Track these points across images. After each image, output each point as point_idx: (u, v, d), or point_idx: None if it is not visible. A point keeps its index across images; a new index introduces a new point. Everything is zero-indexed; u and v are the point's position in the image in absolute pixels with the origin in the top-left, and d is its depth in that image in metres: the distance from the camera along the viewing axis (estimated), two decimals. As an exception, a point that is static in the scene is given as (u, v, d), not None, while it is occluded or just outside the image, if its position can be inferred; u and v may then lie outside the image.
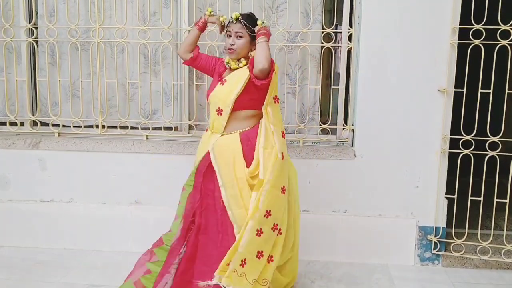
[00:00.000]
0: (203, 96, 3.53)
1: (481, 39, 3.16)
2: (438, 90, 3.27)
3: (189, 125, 3.56)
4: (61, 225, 3.56)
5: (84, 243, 3.56)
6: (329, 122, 3.51)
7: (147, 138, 3.57)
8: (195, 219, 2.64)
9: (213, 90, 2.69)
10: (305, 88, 3.54)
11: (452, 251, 3.40)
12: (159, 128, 3.58)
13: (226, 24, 2.65)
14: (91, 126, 3.61)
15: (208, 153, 2.63)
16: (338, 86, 3.48)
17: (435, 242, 3.40)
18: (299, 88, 3.53)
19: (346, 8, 3.39)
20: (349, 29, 3.39)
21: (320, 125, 3.53)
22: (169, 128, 3.58)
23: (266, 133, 2.58)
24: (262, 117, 2.64)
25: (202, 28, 2.79)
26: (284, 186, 2.61)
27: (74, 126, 3.60)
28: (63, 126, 3.62)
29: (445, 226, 3.39)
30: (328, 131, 3.51)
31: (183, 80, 3.53)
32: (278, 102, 2.66)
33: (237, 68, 2.66)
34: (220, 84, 2.65)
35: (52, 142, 3.54)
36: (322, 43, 3.43)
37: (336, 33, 3.43)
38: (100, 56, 3.51)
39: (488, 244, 3.34)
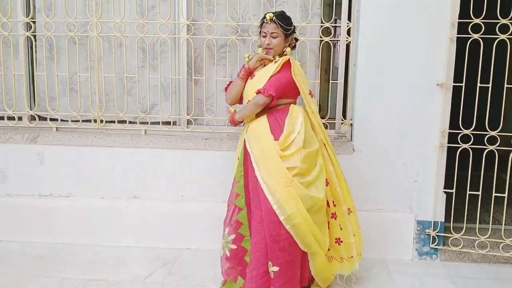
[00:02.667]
0: (201, 90, 3.51)
1: (480, 33, 3.15)
2: (437, 84, 3.26)
3: (188, 119, 3.54)
4: (59, 219, 3.55)
5: (83, 237, 3.55)
6: (327, 117, 3.50)
7: (145, 133, 3.55)
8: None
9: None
10: (304, 82, 3.51)
11: (450, 245, 3.39)
12: (157, 123, 3.56)
13: (260, 25, 2.80)
14: (89, 121, 3.59)
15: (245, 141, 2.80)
16: (336, 80, 3.47)
17: (433, 236, 3.39)
18: (297, 82, 3.50)
19: (345, 2, 3.37)
20: (348, 23, 3.37)
21: None
22: (168, 123, 3.57)
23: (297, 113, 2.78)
24: (289, 105, 2.80)
25: (247, 79, 2.85)
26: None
27: (72, 121, 3.58)
28: (61, 120, 3.60)
29: (444, 221, 3.39)
30: (327, 125, 3.46)
31: (181, 74, 3.51)
32: (312, 96, 2.88)
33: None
34: (250, 78, 2.82)
35: (50, 137, 3.53)
36: (320, 37, 3.41)
37: (335, 27, 3.41)
38: (98, 51, 3.48)
39: (486, 238, 3.33)
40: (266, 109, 2.75)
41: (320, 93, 3.56)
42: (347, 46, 3.41)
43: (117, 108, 3.56)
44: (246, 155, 2.79)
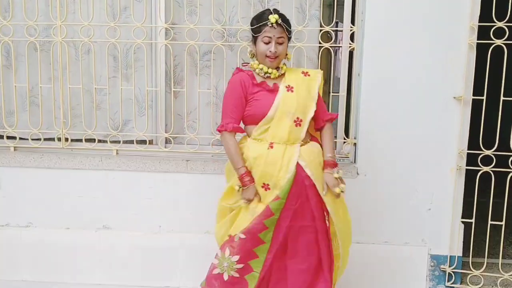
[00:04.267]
0: (181, 104, 3.31)
1: (503, 39, 3.00)
2: (454, 97, 3.10)
3: (166, 138, 3.32)
4: (18, 253, 3.32)
5: (45, 274, 3.32)
6: None
7: (117, 153, 3.32)
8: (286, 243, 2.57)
9: (275, 99, 2.50)
10: (300, 94, 3.28)
11: (469, 283, 3.23)
12: (131, 142, 3.35)
13: (256, 24, 2.48)
14: (52, 139, 3.37)
15: (297, 167, 2.50)
16: (338, 92, 3.29)
17: (449, 273, 3.23)
18: (293, 94, 3.24)
19: (347, 2, 3.21)
20: (351, 27, 3.19)
21: None
22: (143, 142, 3.36)
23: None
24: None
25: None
26: None
27: (32, 139, 3.35)
28: (20, 139, 3.37)
29: (461, 255, 3.24)
30: None
31: (159, 85, 3.29)
32: None
33: (277, 76, 2.54)
34: (287, 90, 2.51)
35: (7, 158, 3.29)
36: (320, 43, 3.23)
37: (336, 31, 3.26)
38: (62, 58, 3.26)
39: (510, 275, 3.17)
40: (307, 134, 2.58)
41: None
42: (350, 53, 3.26)
43: (84, 124, 3.34)
44: (297, 188, 2.50)
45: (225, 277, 2.57)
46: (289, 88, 2.51)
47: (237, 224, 2.56)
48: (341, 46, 3.24)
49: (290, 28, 2.51)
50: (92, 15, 3.22)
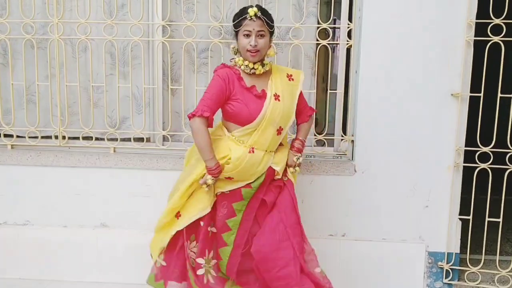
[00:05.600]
0: (179, 101, 3.29)
1: (500, 36, 2.98)
2: (451, 94, 3.08)
3: (163, 135, 3.31)
4: (15, 251, 3.31)
5: (43, 272, 3.31)
6: (325, 132, 3.31)
7: (114, 151, 3.31)
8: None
9: (263, 108, 2.49)
10: (298, 92, 3.32)
11: (466, 280, 3.22)
12: (129, 139, 3.35)
13: (237, 19, 2.48)
14: (50, 137, 3.37)
15: (268, 173, 2.57)
16: (335, 90, 3.27)
17: (447, 270, 3.22)
18: (290, 92, 3.24)
19: None
20: (348, 24, 3.18)
21: (315, 135, 3.30)
22: (140, 139, 3.35)
23: None
24: None
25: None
26: None
27: (29, 137, 3.34)
28: (17, 137, 3.36)
29: (459, 252, 3.24)
30: (324, 142, 3.28)
31: (156, 83, 3.28)
32: None
33: (262, 73, 2.53)
34: (276, 100, 2.51)
35: (5, 156, 3.28)
36: (317, 40, 3.22)
37: (333, 28, 3.26)
38: (59, 56, 3.25)
39: (508, 272, 3.17)
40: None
41: (317, 105, 3.37)
42: (348, 50, 3.24)
43: (81, 122, 3.32)
44: (260, 190, 2.56)
45: (204, 281, 2.64)
46: (276, 97, 2.50)
47: (192, 203, 2.58)
48: (338, 43, 3.23)
49: (272, 22, 2.49)
50: (89, 13, 3.20)
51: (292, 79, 2.58)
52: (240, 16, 2.43)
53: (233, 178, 2.51)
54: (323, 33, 3.19)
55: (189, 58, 3.25)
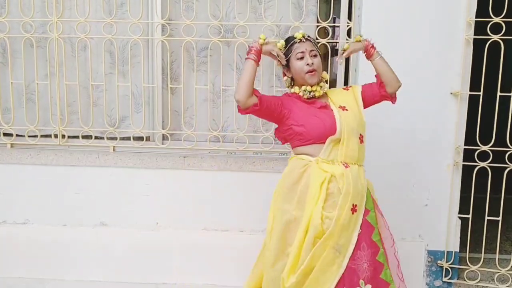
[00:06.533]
0: (178, 100, 3.28)
1: (500, 34, 2.98)
2: (451, 93, 3.09)
3: (163, 134, 3.29)
4: (15, 250, 3.31)
5: (42, 271, 3.30)
6: None
7: (114, 150, 3.30)
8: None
9: (335, 118, 2.36)
10: (297, 91, 3.27)
11: (466, 279, 3.23)
12: (128, 138, 3.34)
13: (285, 49, 2.40)
14: (49, 136, 3.36)
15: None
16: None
17: (446, 268, 3.22)
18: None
19: None
20: (348, 23, 3.16)
21: None
22: (140, 138, 3.34)
23: None
24: None
25: (258, 61, 2.37)
26: None
27: (29, 136, 3.33)
28: (17, 135, 3.34)
29: (458, 251, 3.24)
30: None
31: (156, 82, 3.27)
32: None
33: (320, 96, 2.42)
34: (343, 110, 2.39)
35: (4, 154, 3.28)
36: (317, 38, 3.16)
37: (333, 27, 3.25)
38: (59, 55, 3.23)
39: (507, 270, 3.17)
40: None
41: None
42: None
43: (81, 121, 3.31)
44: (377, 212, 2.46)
45: None
46: (343, 108, 2.39)
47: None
48: (338, 42, 3.20)
49: (317, 44, 2.44)
50: (88, 11, 3.19)
51: (349, 88, 2.52)
52: (288, 43, 2.38)
53: (356, 205, 2.29)
54: (323, 32, 3.18)
55: (188, 56, 3.24)
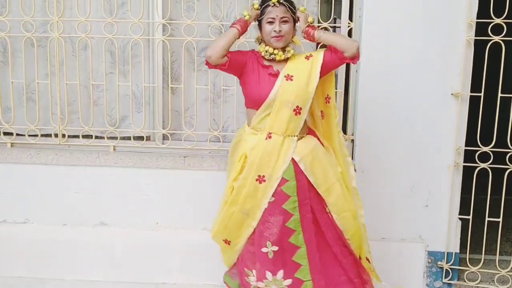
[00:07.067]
0: (179, 100, 3.30)
1: (501, 35, 2.98)
2: (452, 94, 3.09)
3: (163, 134, 3.30)
4: (15, 249, 3.30)
5: (42, 271, 3.29)
6: None
7: (114, 149, 3.31)
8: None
9: (273, 88, 2.47)
10: (298, 91, 3.27)
11: (466, 280, 3.24)
12: (128, 138, 3.35)
13: (260, 9, 2.48)
14: (49, 135, 3.36)
15: (293, 161, 2.50)
16: (336, 89, 3.12)
17: (446, 269, 3.23)
18: (291, 91, 3.23)
19: None
20: (349, 23, 3.17)
21: None
22: (140, 138, 3.35)
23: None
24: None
25: (242, 32, 2.50)
26: None
27: (29, 135, 3.33)
28: (17, 135, 3.35)
29: (458, 252, 3.25)
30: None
31: (156, 81, 3.28)
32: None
33: (283, 60, 2.50)
34: (287, 79, 2.46)
35: (4, 154, 3.28)
36: None
37: (334, 27, 3.22)
38: (59, 54, 3.24)
39: (507, 272, 3.18)
40: (305, 126, 2.55)
41: None
42: None
43: (81, 121, 3.32)
44: (301, 181, 2.50)
45: None
46: (288, 77, 2.46)
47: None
48: None
49: (295, 9, 2.48)
50: (89, 11, 3.19)
51: (311, 56, 2.51)
52: (263, 4, 2.43)
53: (263, 176, 2.44)
54: None
55: (189, 56, 3.25)
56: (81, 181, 3.26)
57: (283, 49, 2.48)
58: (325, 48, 2.51)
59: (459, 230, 3.19)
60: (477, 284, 3.18)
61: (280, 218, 2.46)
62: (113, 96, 3.28)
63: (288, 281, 2.48)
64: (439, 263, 3.20)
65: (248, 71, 2.52)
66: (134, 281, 3.23)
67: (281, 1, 2.41)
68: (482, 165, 3.05)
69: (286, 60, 2.50)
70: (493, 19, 2.95)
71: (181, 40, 3.16)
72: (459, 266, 3.21)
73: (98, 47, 3.26)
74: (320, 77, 2.46)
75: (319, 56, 2.47)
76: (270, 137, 2.47)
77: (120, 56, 3.29)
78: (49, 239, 3.27)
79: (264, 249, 2.47)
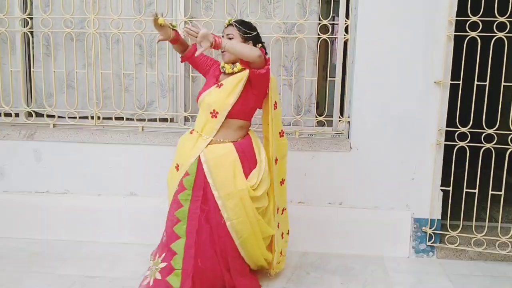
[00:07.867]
0: (198, 87, 3.48)
1: (477, 31, 3.14)
2: (435, 82, 3.26)
3: (185, 116, 3.54)
4: (56, 216, 3.53)
5: (80, 234, 3.53)
6: (325, 114, 3.50)
7: (142, 130, 3.55)
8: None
9: (206, 91, 2.68)
10: (302, 80, 3.52)
11: (447, 243, 3.39)
12: (155, 120, 3.56)
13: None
14: (86, 117, 3.59)
15: (200, 162, 2.62)
16: (334, 78, 3.46)
17: (430, 234, 3.39)
18: (295, 80, 3.52)
19: None
20: (345, 21, 3.37)
21: (316, 117, 3.50)
22: (165, 120, 3.56)
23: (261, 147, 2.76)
24: (249, 128, 2.77)
25: (175, 40, 2.75)
26: (282, 179, 2.90)
27: (69, 117, 3.58)
28: (58, 117, 3.60)
29: (440, 218, 3.38)
30: (324, 123, 3.49)
31: (179, 71, 3.50)
32: (276, 108, 2.74)
33: (232, 73, 2.66)
34: (217, 87, 2.64)
35: (47, 133, 3.52)
36: (318, 34, 3.40)
37: (333, 24, 3.41)
38: (95, 47, 3.48)
39: (482, 236, 3.33)
40: (231, 127, 2.65)
41: (318, 91, 3.56)
42: (345, 43, 3.41)
43: (114, 105, 3.55)
44: (199, 178, 2.62)
45: (151, 283, 2.58)
46: (219, 85, 2.62)
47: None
48: (337, 37, 3.41)
49: (248, 29, 2.60)
50: (121, 10, 3.43)
51: (238, 73, 2.63)
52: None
53: (179, 165, 2.64)
54: (324, 29, 3.37)
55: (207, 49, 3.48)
56: (114, 157, 3.47)
57: (234, 63, 2.63)
58: (247, 71, 2.58)
59: (441, 199, 3.33)
60: (456, 246, 3.33)
61: (174, 207, 2.64)
62: (141, 84, 3.51)
63: (163, 264, 2.60)
64: (424, 228, 3.35)
65: (209, 75, 2.78)
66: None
67: (231, 23, 2.62)
68: (461, 144, 3.21)
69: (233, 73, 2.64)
70: (470, 17, 3.11)
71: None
72: (441, 231, 3.35)
73: (128, 41, 3.49)
74: (256, 88, 2.57)
75: (246, 71, 2.58)
76: (191, 132, 2.72)
77: (148, 49, 3.50)
78: (85, 207, 3.50)
79: (164, 233, 2.71)
